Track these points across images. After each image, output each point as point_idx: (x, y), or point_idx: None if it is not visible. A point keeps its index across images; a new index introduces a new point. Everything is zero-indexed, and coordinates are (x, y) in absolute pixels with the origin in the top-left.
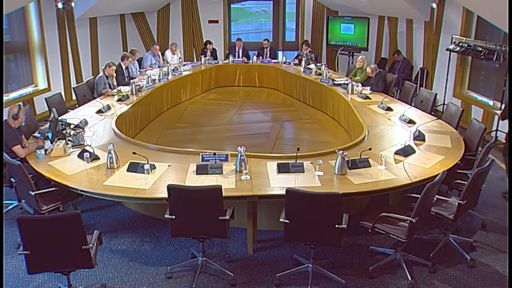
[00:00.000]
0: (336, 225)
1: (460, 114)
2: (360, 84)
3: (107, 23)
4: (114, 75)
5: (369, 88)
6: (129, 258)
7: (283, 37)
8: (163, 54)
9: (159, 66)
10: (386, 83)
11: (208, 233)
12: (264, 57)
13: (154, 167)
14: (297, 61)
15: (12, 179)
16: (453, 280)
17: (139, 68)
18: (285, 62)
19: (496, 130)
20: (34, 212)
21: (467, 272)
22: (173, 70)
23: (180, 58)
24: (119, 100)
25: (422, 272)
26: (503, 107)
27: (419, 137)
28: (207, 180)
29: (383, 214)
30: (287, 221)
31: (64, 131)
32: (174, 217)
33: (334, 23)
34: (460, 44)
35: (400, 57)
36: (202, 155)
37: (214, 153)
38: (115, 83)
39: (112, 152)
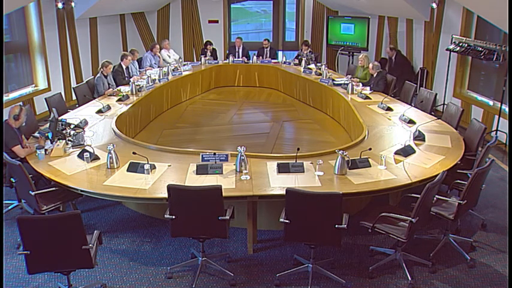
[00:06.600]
0: (336, 225)
1: (460, 114)
2: (360, 84)
3: (107, 23)
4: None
5: (368, 88)
6: (129, 258)
7: (283, 37)
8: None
9: (159, 66)
10: (387, 83)
11: (208, 233)
12: (264, 57)
13: (154, 167)
14: (297, 61)
15: (12, 179)
16: (453, 280)
17: (139, 68)
18: (285, 62)
19: (496, 130)
20: (34, 212)
21: (467, 272)
22: (173, 70)
23: (175, 54)
24: (119, 100)
25: (422, 272)
26: None
27: (419, 137)
28: (207, 180)
29: (383, 214)
30: (287, 221)
31: (64, 131)
32: (174, 217)
33: (334, 23)
34: (460, 44)
35: (393, 53)
36: (202, 155)
37: (214, 153)
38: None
39: (112, 152)
